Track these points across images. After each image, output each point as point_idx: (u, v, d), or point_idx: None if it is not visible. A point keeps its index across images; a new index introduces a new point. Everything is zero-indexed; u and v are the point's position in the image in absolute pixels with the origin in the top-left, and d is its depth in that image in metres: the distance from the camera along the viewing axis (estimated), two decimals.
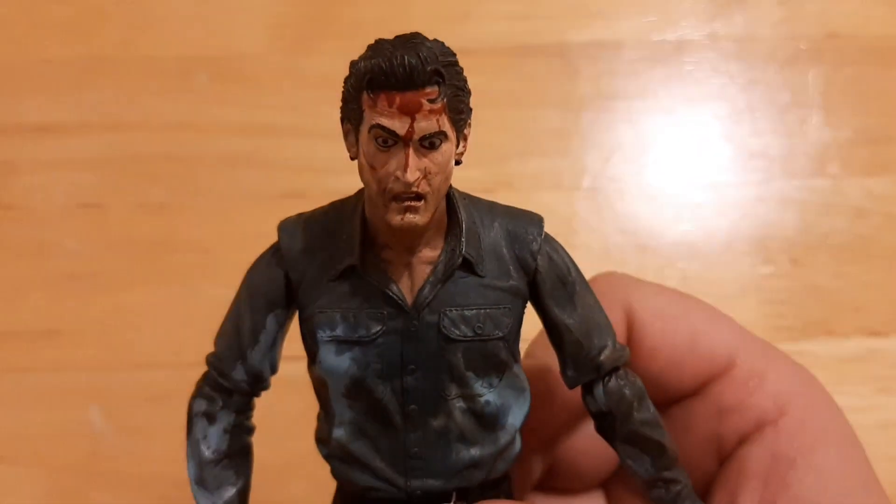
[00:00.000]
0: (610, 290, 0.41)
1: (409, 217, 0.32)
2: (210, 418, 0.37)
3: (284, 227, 0.36)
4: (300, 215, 0.36)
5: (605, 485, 0.46)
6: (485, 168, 0.66)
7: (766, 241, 0.67)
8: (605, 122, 0.69)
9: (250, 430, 0.38)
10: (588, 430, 0.40)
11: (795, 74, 0.71)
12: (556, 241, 0.36)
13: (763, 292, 0.66)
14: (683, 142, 0.70)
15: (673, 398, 0.41)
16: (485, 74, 0.69)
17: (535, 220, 0.36)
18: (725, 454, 0.40)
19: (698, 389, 0.41)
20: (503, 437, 0.36)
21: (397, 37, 0.32)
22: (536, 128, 0.69)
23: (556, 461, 0.43)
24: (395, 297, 0.34)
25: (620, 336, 0.41)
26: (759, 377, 0.39)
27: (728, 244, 0.67)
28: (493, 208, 0.36)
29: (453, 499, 0.36)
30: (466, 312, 0.34)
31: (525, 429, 0.40)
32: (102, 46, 0.69)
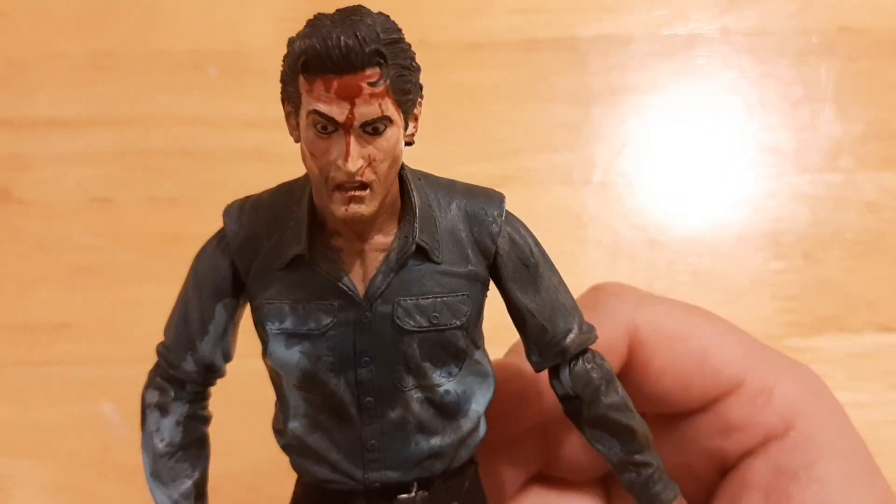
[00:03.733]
0: (615, 306, 0.41)
1: (354, 207, 0.30)
2: (162, 410, 0.36)
3: (229, 212, 0.34)
4: (247, 199, 0.35)
5: (605, 478, 0.46)
6: (494, 162, 0.66)
7: (778, 235, 0.67)
8: (615, 117, 0.69)
9: (205, 420, 0.37)
10: None
11: (807, 68, 0.70)
12: (518, 220, 0.35)
13: (775, 287, 0.65)
14: (694, 136, 0.69)
15: (679, 414, 0.41)
16: (494, 69, 0.69)
17: (495, 200, 0.34)
18: (728, 468, 0.40)
19: (706, 406, 0.40)
20: (466, 425, 0.35)
21: (338, 11, 0.29)
22: (546, 122, 0.69)
23: (555, 452, 0.43)
24: (345, 288, 0.32)
25: (620, 354, 0.40)
26: (767, 394, 0.39)
27: (739, 239, 0.66)
28: (451, 188, 0.34)
29: (414, 490, 0.35)
30: (422, 301, 0.33)
31: (517, 419, 0.39)
32: (113, 41, 0.69)
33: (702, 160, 0.69)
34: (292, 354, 0.33)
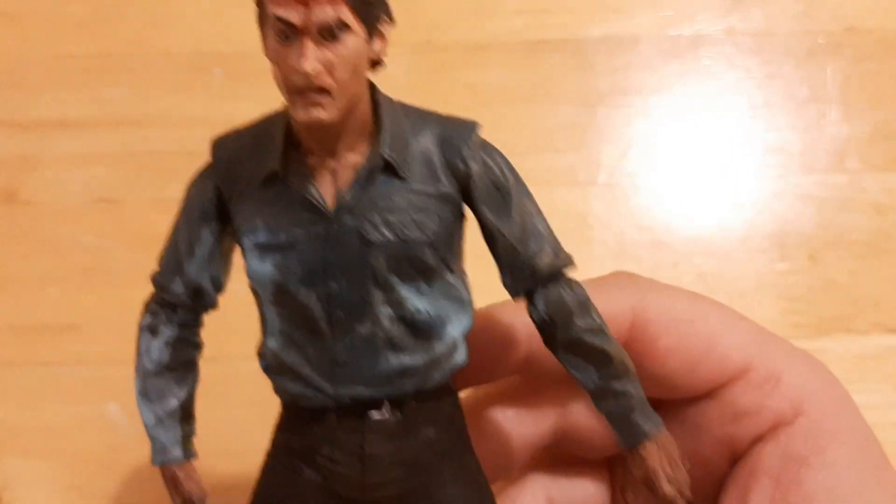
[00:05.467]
0: (622, 287, 0.41)
1: (314, 112, 0.32)
2: (153, 331, 0.38)
3: (216, 141, 0.37)
4: (232, 129, 0.37)
5: (611, 464, 0.46)
6: None
7: (784, 237, 0.66)
8: (620, 118, 0.69)
9: (196, 346, 0.39)
10: None
11: (813, 69, 0.70)
12: (493, 147, 0.36)
13: (780, 289, 0.65)
14: (700, 137, 0.69)
15: (684, 399, 0.41)
16: (499, 70, 0.69)
17: (469, 126, 0.35)
18: (739, 455, 0.40)
19: (712, 392, 0.40)
20: (439, 347, 0.35)
21: None
22: (551, 123, 0.69)
23: (568, 424, 0.43)
24: (314, 200, 0.34)
25: (622, 334, 0.40)
26: (775, 379, 0.39)
27: (745, 240, 0.66)
28: (425, 116, 0.36)
29: (386, 410, 0.35)
30: (389, 216, 0.34)
31: (502, 361, 0.40)
32: (118, 42, 0.70)
33: (707, 161, 0.69)
34: (265, 268, 0.34)
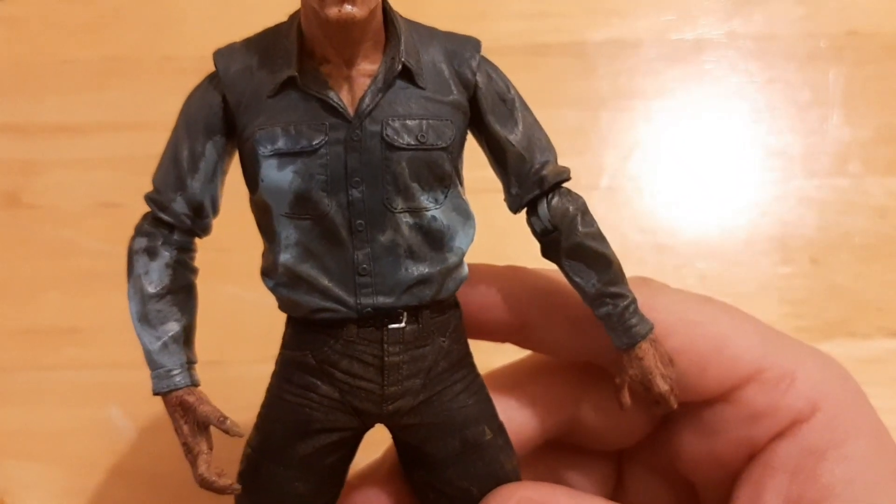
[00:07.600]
0: (635, 285, 0.41)
1: (347, 8, 0.31)
2: (151, 253, 0.36)
3: (220, 52, 0.36)
4: (235, 42, 0.36)
5: (621, 459, 0.46)
6: None
7: (786, 240, 0.66)
8: (623, 121, 0.69)
9: (194, 270, 0.37)
10: (612, 391, 0.40)
11: (815, 72, 0.70)
12: (493, 63, 0.37)
13: (782, 292, 0.65)
14: (702, 141, 0.69)
15: (696, 400, 0.41)
16: None
17: (473, 41, 0.37)
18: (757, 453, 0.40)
19: (726, 394, 0.40)
20: (451, 258, 0.36)
21: None
22: (554, 127, 0.68)
23: (577, 418, 0.43)
24: (336, 105, 0.34)
25: None
26: (789, 378, 0.39)
27: (747, 243, 0.66)
28: (431, 31, 0.36)
29: (404, 320, 0.36)
30: (409, 122, 0.34)
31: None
32: (121, 47, 0.70)
33: (710, 164, 0.69)
34: (285, 175, 0.34)
